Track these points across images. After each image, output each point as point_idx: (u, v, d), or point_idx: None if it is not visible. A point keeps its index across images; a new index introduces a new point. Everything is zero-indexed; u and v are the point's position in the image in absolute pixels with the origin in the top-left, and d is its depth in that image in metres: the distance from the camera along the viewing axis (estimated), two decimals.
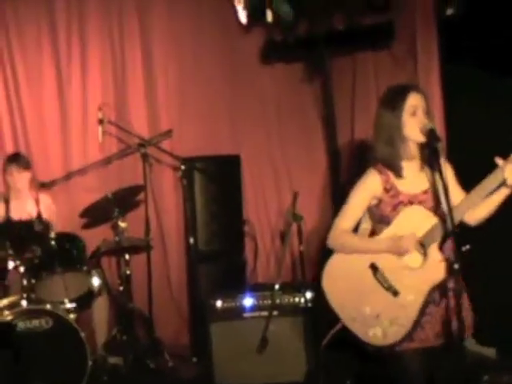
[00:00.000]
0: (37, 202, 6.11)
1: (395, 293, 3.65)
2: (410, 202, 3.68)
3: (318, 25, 6.59)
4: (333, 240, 3.85)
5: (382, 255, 3.69)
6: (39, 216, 6.01)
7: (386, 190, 3.72)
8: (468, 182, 3.75)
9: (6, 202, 6.25)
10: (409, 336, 3.62)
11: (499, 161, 3.49)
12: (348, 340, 3.90)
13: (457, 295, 3.33)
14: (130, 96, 7.19)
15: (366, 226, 3.91)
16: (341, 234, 3.83)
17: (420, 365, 3.72)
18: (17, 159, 6.34)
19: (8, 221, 6.03)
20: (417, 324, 3.61)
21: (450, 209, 3.34)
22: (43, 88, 7.05)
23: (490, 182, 3.52)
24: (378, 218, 3.79)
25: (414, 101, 3.66)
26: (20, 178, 6.32)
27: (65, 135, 7.06)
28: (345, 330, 3.84)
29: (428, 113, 3.68)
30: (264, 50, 7.13)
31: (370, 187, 3.77)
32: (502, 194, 3.60)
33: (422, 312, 3.61)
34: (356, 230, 3.93)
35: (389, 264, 3.68)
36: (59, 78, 7.06)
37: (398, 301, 3.64)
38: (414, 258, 3.65)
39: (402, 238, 3.63)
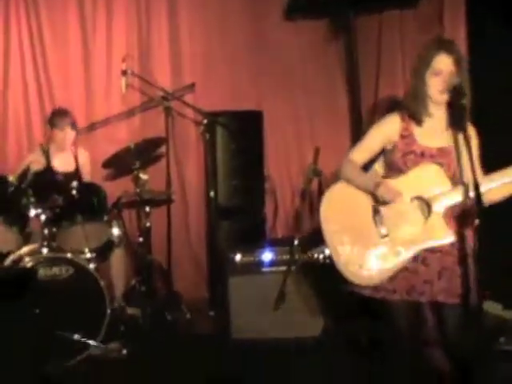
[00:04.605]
0: (76, 158, 6.16)
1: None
2: (422, 154, 3.68)
3: None
4: (340, 167, 3.92)
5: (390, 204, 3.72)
6: (77, 171, 6.08)
7: (403, 137, 3.74)
8: (492, 144, 3.76)
9: (46, 152, 6.21)
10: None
11: None
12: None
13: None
14: (154, 48, 7.16)
15: (378, 168, 3.93)
16: (346, 163, 3.89)
17: (405, 317, 3.80)
18: (69, 116, 6.31)
19: (48, 170, 6.06)
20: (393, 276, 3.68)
21: (474, 172, 3.32)
22: (67, 39, 7.05)
23: None
24: (389, 164, 3.84)
25: (440, 64, 3.64)
26: (70, 134, 6.30)
27: (88, 86, 7.07)
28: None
29: (459, 75, 3.62)
30: (288, 6, 7.07)
31: (387, 128, 3.82)
32: None
33: (403, 266, 3.66)
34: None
35: (392, 213, 3.71)
36: (84, 30, 7.06)
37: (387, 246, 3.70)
38: (417, 217, 3.68)
39: (390, 190, 3.66)
